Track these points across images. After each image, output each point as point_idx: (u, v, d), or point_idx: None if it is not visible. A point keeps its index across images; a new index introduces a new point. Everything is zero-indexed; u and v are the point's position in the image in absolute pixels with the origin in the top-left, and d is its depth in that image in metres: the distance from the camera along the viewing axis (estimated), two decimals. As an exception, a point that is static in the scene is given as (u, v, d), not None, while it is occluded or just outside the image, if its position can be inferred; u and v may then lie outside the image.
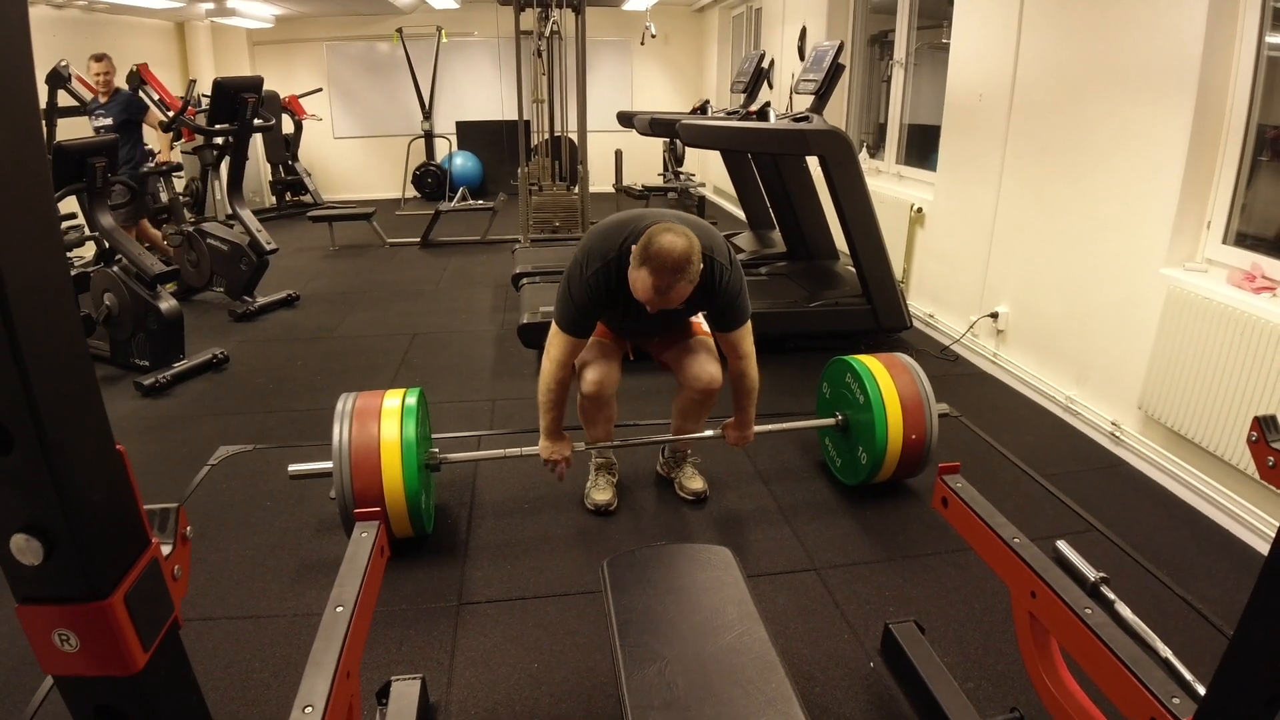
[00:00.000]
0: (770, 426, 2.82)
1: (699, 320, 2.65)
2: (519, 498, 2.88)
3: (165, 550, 0.85)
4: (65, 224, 5.60)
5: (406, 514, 2.35)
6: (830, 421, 2.89)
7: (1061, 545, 2.47)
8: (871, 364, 2.78)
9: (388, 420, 2.37)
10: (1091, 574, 1.61)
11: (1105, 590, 1.58)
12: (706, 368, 2.55)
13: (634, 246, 2.13)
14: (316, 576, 2.41)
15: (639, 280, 2.12)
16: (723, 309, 2.35)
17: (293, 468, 2.48)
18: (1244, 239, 2.92)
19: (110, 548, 0.75)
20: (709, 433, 2.72)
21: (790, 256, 5.05)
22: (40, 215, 0.67)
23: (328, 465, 2.36)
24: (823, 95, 3.93)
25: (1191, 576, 2.41)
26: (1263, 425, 0.97)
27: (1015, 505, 2.79)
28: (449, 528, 2.69)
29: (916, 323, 4.63)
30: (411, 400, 2.45)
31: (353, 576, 1.41)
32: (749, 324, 2.42)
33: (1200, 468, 2.86)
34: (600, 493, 2.76)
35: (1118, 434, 3.24)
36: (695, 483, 2.83)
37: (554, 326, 2.37)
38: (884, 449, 2.64)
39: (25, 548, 0.68)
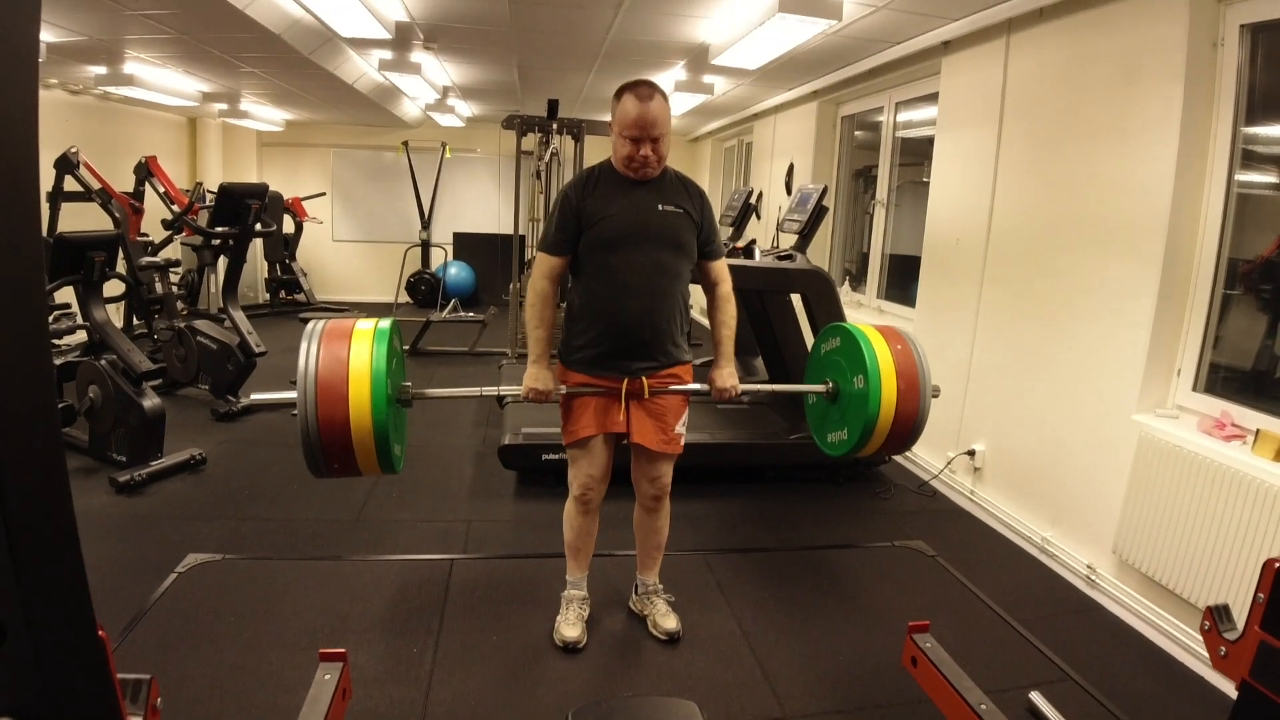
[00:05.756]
0: (756, 386, 2.85)
1: (679, 434, 2.66)
2: (487, 627, 2.82)
3: (136, 722, 0.85)
4: (57, 311, 5.64)
5: (374, 448, 2.16)
6: (820, 388, 2.77)
7: (1035, 697, 2.46)
8: (867, 330, 2.65)
9: (358, 343, 2.18)
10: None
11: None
12: (664, 467, 2.68)
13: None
14: (275, 704, 2.33)
15: (624, 106, 2.42)
16: (711, 229, 2.63)
17: (254, 396, 2.43)
18: (1214, 385, 3.01)
19: (87, 730, 0.74)
20: (697, 386, 2.65)
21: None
22: (39, 407, 0.69)
23: (291, 395, 2.16)
24: (806, 235, 4.11)
25: (1168, 731, 2.38)
26: (1215, 615, 1.00)
27: (990, 652, 2.76)
28: (412, 660, 2.61)
29: (895, 457, 4.67)
30: (385, 325, 2.27)
31: None
32: (725, 260, 2.70)
33: (1175, 613, 2.87)
34: (570, 628, 2.72)
35: (1093, 577, 3.25)
36: (669, 622, 2.79)
37: (538, 255, 2.59)
38: (878, 406, 2.50)
39: (9, 731, 0.68)
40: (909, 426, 2.56)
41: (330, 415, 2.09)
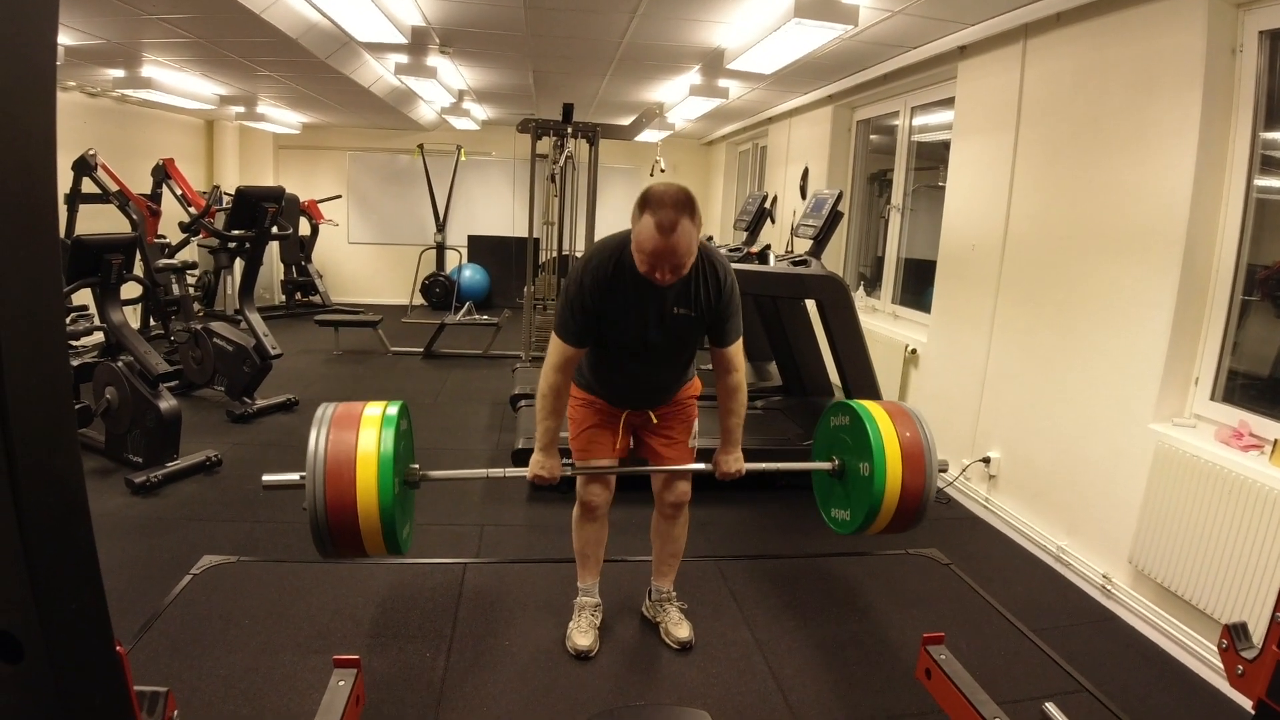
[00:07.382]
0: (762, 465, 2.79)
1: (691, 448, 2.69)
2: (500, 632, 2.83)
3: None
4: (74, 313, 5.69)
5: (380, 533, 2.17)
6: (826, 466, 2.74)
7: (1049, 708, 2.43)
8: (875, 411, 2.62)
9: (366, 429, 2.21)
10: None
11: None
12: (683, 479, 2.68)
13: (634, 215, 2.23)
14: (288, 707, 2.34)
15: (644, 230, 2.17)
16: (725, 317, 2.43)
17: (266, 478, 2.35)
18: (1232, 394, 2.98)
19: (105, 745, 0.75)
20: (700, 466, 2.66)
21: (785, 391, 5.12)
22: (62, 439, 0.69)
23: (301, 476, 2.21)
24: (821, 241, 4.09)
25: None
26: (1232, 633, 0.98)
27: (1004, 662, 2.74)
28: (424, 664, 2.62)
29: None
30: (393, 411, 2.30)
31: (327, 725, 1.39)
32: (741, 341, 2.51)
33: (1191, 625, 2.84)
34: (582, 636, 2.72)
35: (1109, 587, 3.22)
36: (681, 630, 2.79)
37: (553, 337, 2.45)
38: (881, 495, 2.46)
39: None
40: (913, 511, 2.54)
41: (338, 501, 2.11)
